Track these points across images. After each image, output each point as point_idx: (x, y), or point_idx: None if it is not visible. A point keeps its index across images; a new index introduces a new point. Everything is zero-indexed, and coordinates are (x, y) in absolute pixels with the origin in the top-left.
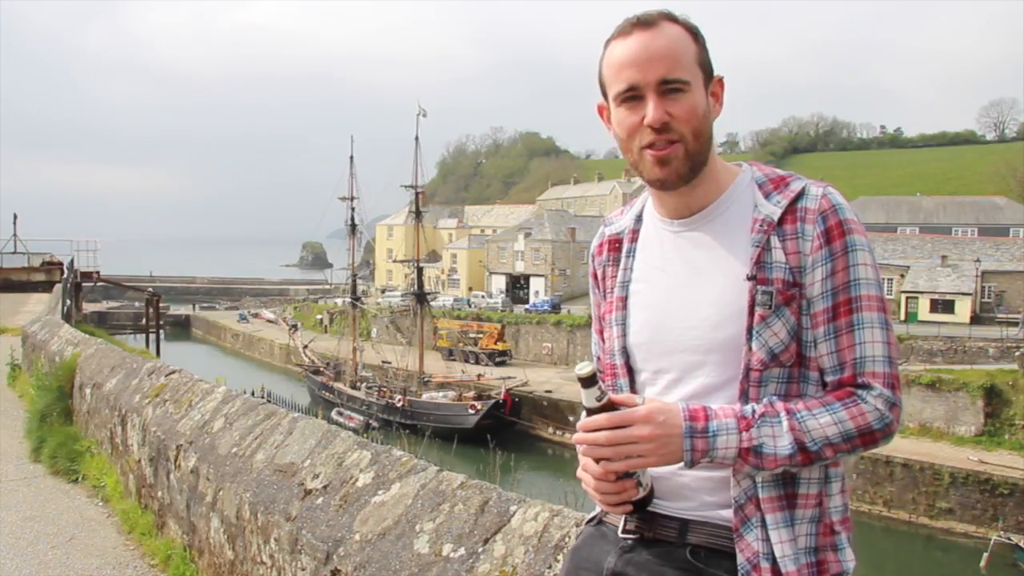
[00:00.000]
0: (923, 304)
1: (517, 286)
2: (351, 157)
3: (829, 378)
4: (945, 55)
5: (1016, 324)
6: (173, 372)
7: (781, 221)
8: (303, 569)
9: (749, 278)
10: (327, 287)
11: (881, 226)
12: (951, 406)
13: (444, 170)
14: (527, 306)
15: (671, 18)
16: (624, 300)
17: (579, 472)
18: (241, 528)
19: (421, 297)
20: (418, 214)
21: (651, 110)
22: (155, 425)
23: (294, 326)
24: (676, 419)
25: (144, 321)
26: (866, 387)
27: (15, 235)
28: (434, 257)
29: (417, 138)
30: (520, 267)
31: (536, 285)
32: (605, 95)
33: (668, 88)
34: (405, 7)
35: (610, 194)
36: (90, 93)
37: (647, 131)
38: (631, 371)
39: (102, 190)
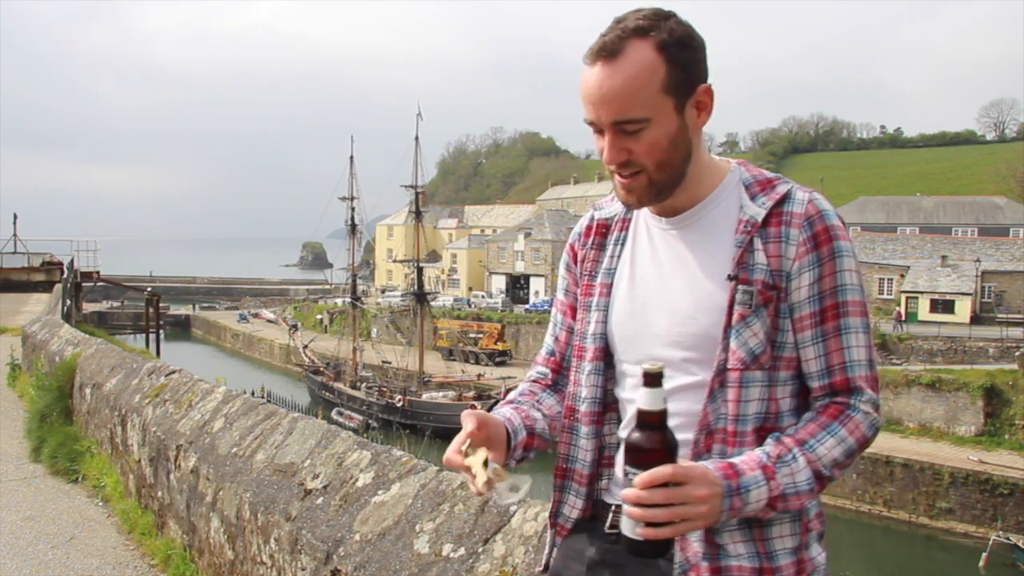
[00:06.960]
0: (923, 304)
1: (517, 286)
2: (351, 157)
3: (816, 383)
4: (945, 55)
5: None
6: (173, 372)
7: (765, 223)
8: (303, 569)
9: (731, 277)
10: (327, 287)
11: (881, 226)
12: (951, 406)
13: (444, 170)
14: (527, 306)
15: (643, 33)
16: (609, 287)
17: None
18: (241, 528)
19: (421, 297)
20: (418, 214)
21: (606, 151)
22: (155, 425)
23: (294, 326)
24: (714, 477)
25: (144, 321)
26: (856, 392)
27: (15, 235)
28: (434, 257)
29: (417, 138)
30: (520, 267)
31: (536, 285)
32: None
33: (624, 128)
34: (405, 7)
35: (609, 194)
36: (90, 92)
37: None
38: (606, 357)
39: (102, 190)
